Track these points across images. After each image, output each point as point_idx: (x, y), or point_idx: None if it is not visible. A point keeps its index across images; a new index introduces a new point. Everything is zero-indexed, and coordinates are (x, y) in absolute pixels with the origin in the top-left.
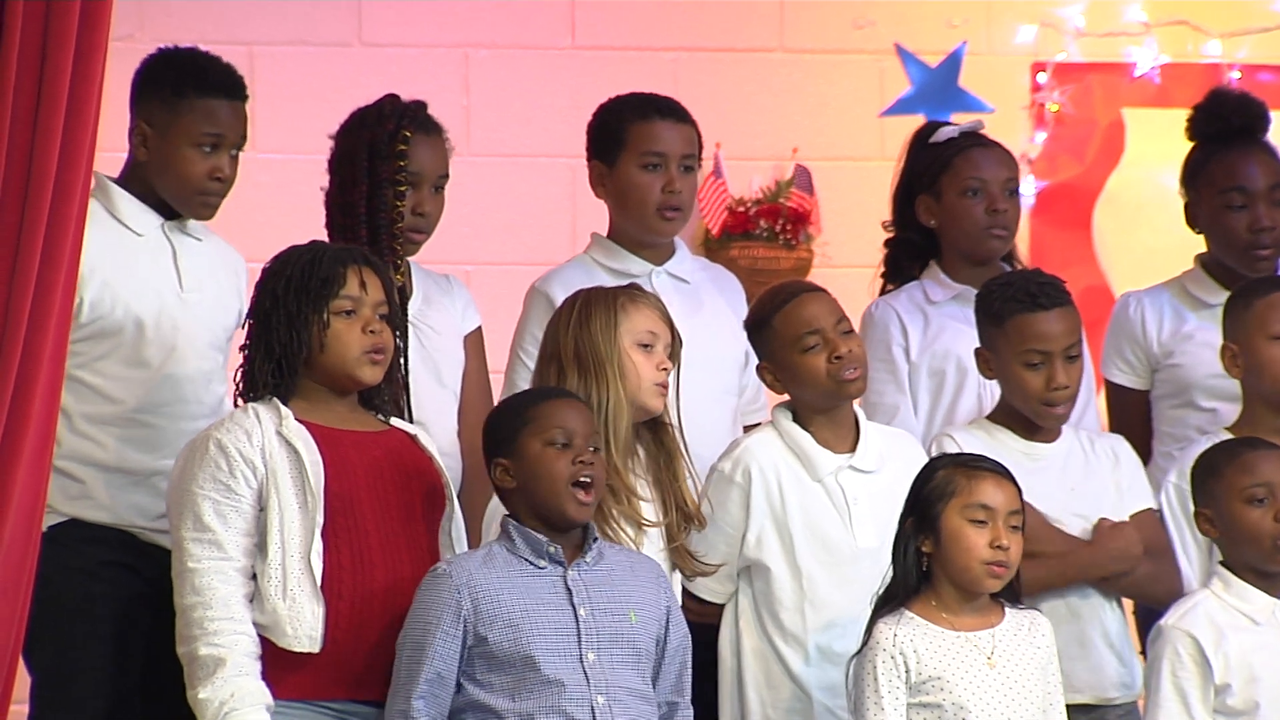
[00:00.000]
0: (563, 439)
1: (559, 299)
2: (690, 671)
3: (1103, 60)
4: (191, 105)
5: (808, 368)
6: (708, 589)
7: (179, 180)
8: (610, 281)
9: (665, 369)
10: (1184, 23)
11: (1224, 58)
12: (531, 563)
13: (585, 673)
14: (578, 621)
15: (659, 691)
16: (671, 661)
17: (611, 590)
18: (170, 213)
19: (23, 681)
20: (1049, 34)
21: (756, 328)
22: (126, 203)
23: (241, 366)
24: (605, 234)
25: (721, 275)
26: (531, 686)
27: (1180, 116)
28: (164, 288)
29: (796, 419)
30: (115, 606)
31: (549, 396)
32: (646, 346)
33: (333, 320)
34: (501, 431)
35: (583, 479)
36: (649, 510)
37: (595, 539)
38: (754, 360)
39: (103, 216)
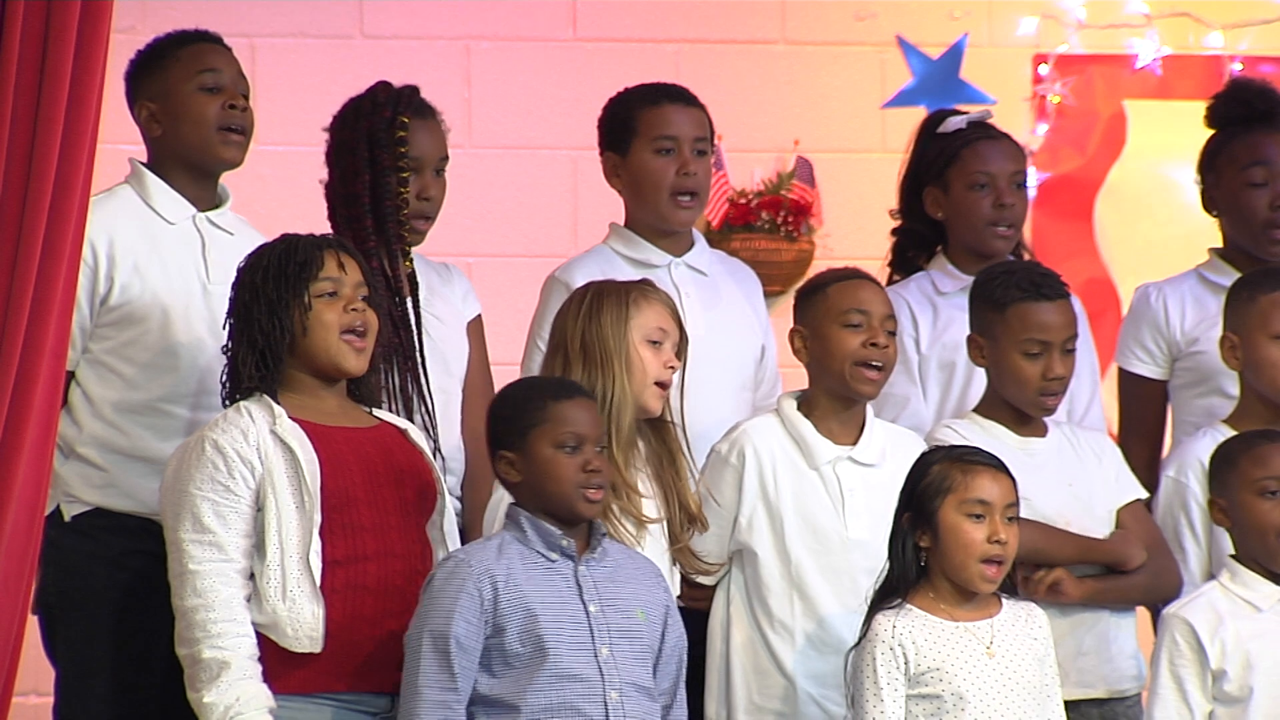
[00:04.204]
0: (573, 442)
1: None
2: (685, 671)
3: (1104, 52)
4: (177, 56)
5: (841, 342)
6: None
7: (194, 124)
8: (630, 272)
9: (672, 367)
10: (1185, 14)
11: (1225, 49)
12: (543, 555)
13: (600, 668)
14: (588, 617)
15: (658, 691)
16: (669, 660)
17: (619, 587)
18: (202, 204)
19: (47, 673)
20: (1050, 26)
21: (810, 291)
22: (160, 190)
23: (226, 366)
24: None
25: (739, 269)
26: (545, 680)
27: (1182, 108)
28: (191, 278)
29: (801, 408)
30: (141, 597)
31: (561, 395)
32: (655, 343)
33: (314, 303)
34: (509, 425)
35: (593, 485)
36: (650, 507)
37: (603, 534)
38: (770, 354)
39: (136, 203)
